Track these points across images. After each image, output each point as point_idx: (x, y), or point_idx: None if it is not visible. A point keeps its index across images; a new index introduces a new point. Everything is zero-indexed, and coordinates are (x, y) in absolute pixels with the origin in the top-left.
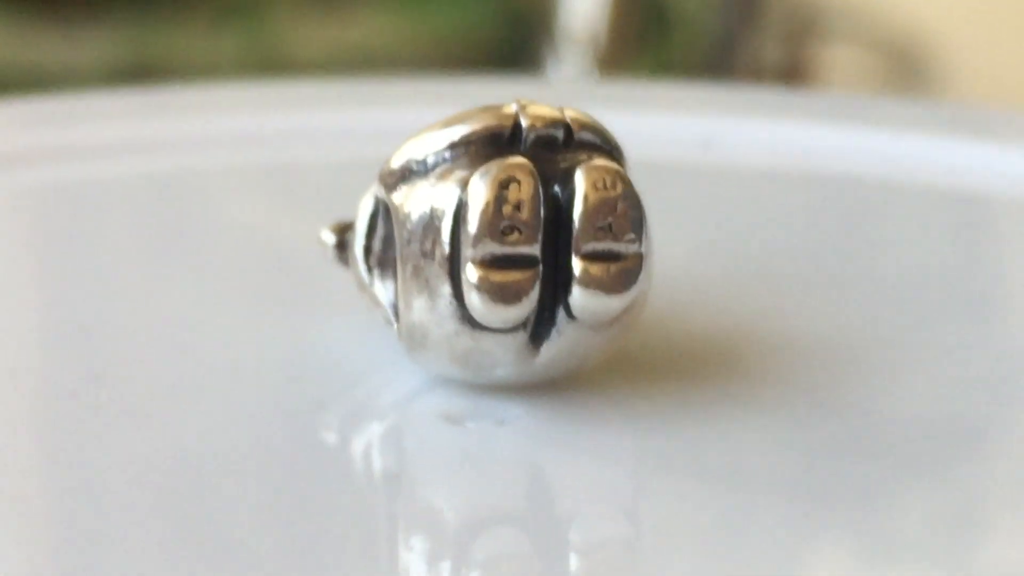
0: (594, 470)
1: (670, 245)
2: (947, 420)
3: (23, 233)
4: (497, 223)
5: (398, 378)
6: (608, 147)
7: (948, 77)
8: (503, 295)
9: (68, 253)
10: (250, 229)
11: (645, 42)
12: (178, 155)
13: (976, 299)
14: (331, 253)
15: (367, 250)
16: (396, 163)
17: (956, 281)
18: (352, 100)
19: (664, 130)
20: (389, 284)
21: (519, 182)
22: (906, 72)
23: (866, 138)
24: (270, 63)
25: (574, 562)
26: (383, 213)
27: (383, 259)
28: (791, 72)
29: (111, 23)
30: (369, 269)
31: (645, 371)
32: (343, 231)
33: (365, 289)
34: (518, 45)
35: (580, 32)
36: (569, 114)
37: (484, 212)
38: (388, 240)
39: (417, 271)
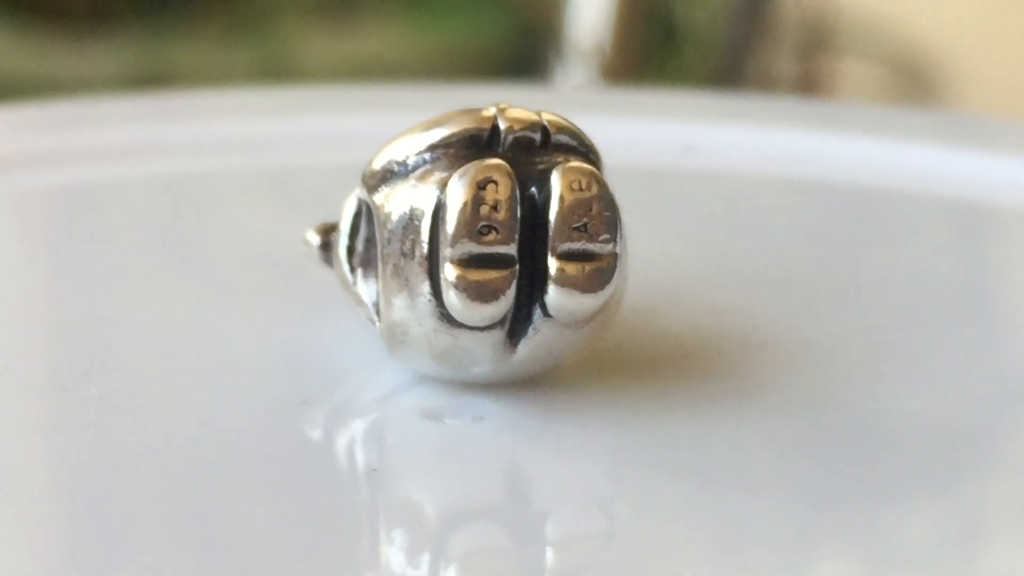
0: (570, 466)
1: (650, 248)
2: (930, 420)
3: (27, 234)
4: (475, 223)
5: (380, 376)
6: (584, 149)
7: (958, 93)
8: (480, 293)
9: (66, 254)
10: (240, 231)
11: (653, 54)
12: (173, 159)
13: (957, 303)
14: (316, 253)
15: (350, 250)
16: (377, 165)
17: (932, 283)
18: (351, 105)
19: (647, 136)
20: (371, 283)
21: (496, 183)
22: (917, 87)
23: (846, 145)
24: (280, 75)
25: (551, 556)
26: (366, 214)
27: (366, 259)
28: (805, 85)
29: (122, 35)
30: (352, 269)
31: (620, 369)
32: (328, 232)
33: (348, 288)
34: (526, 57)
35: (587, 44)
36: (546, 117)
37: (462, 212)
38: (371, 240)
39: (397, 270)
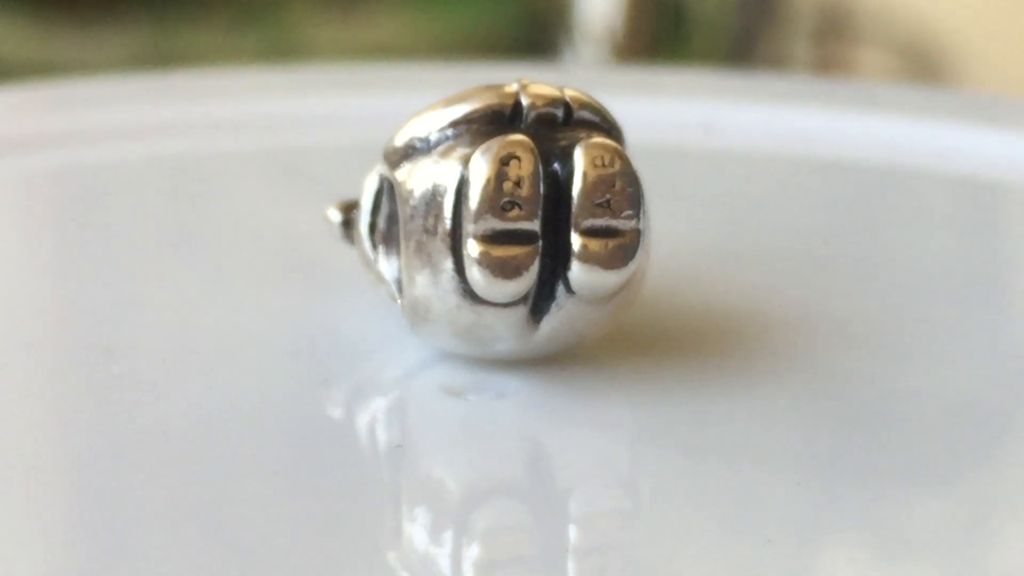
0: (592, 443)
1: (671, 225)
2: (948, 397)
3: (40, 214)
4: (498, 199)
5: (402, 353)
6: (607, 126)
7: (971, 79)
8: (504, 270)
9: (83, 233)
10: (259, 209)
11: (663, 40)
12: (190, 138)
13: (975, 282)
14: (337, 231)
15: (372, 227)
16: (399, 141)
17: (950, 261)
18: (364, 85)
19: (668, 115)
20: (393, 260)
21: (519, 159)
22: (930, 73)
23: (865, 124)
24: (289, 63)
25: (573, 533)
26: (387, 191)
27: (388, 236)
28: (820, 71)
29: (130, 23)
30: (374, 246)
31: (643, 346)
32: (349, 209)
33: (370, 266)
34: (536, 44)
35: (597, 30)
36: (569, 93)
37: (485, 188)
38: (392, 217)
39: (420, 247)
